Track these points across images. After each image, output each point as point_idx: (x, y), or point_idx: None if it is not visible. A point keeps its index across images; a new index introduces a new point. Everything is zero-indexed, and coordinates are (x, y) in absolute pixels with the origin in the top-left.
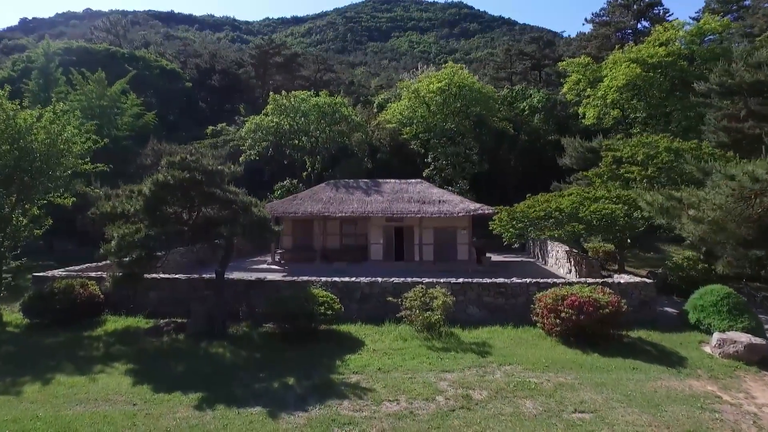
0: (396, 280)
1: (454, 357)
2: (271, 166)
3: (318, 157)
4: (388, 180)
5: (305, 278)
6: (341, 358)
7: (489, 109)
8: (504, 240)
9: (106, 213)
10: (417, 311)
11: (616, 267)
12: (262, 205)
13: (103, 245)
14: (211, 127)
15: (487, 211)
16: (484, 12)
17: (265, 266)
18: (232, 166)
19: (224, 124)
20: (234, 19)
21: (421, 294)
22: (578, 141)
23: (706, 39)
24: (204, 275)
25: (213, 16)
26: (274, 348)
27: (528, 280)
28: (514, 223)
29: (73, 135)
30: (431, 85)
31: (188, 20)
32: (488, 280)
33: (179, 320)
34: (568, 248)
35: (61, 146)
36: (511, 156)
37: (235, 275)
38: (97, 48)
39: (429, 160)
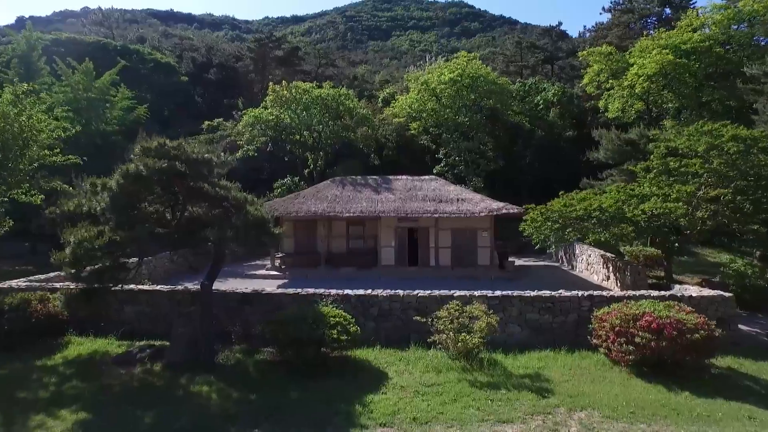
0: (421, 293)
1: (507, 398)
2: (271, 162)
3: (321, 153)
4: (399, 176)
5: (311, 290)
6: (361, 400)
7: (503, 102)
8: (536, 244)
9: (69, 212)
10: (452, 333)
11: (662, 274)
12: (260, 203)
13: (54, 253)
14: (207, 123)
15: (512, 211)
16: (485, 11)
17: (263, 272)
18: (223, 155)
19: (221, 120)
20: (233, 18)
21: (456, 312)
22: (614, 132)
23: (742, 24)
24: (191, 286)
25: (212, 15)
26: (274, 384)
27: (579, 293)
28: (550, 224)
29: (39, 121)
30: (442, 76)
31: (187, 19)
32: (531, 293)
33: (158, 344)
34: (602, 252)
35: (24, 134)
36: (526, 152)
37: (230, 284)
38: (87, 39)
39: (440, 156)
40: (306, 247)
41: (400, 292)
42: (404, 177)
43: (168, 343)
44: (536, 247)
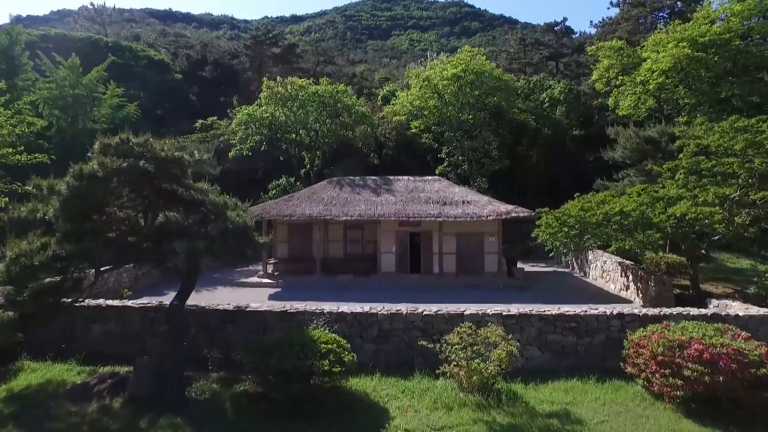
0: (426, 310)
1: None
2: (266, 162)
3: (318, 152)
4: (400, 177)
5: (302, 306)
6: None
7: (508, 99)
8: (549, 252)
9: (21, 219)
10: (464, 362)
11: (686, 283)
12: (245, 208)
13: None
14: (200, 121)
15: (521, 215)
16: (485, 10)
17: (255, 279)
18: (197, 153)
19: (215, 118)
20: (232, 18)
21: (468, 337)
22: (633, 130)
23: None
24: (166, 301)
25: (211, 14)
26: (256, 426)
27: (607, 311)
28: (566, 230)
29: None
30: (445, 72)
31: (186, 18)
32: (552, 311)
33: (124, 370)
34: (620, 259)
35: None
36: (532, 152)
37: (218, 293)
38: (77, 35)
39: (443, 155)
40: (301, 252)
41: (403, 309)
42: (405, 178)
43: (130, 375)
44: (550, 255)
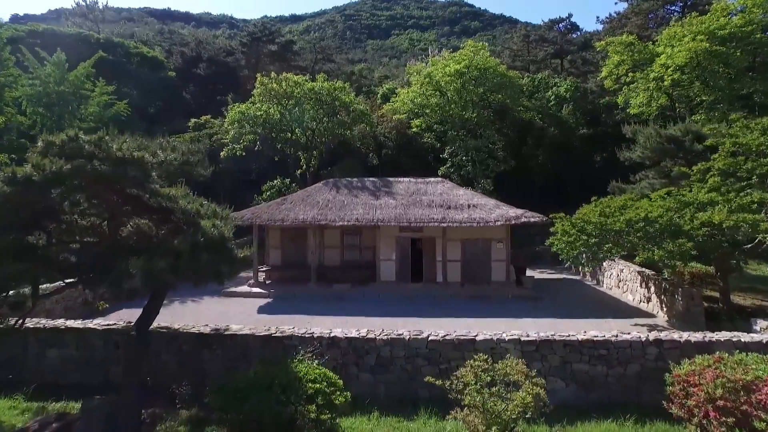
0: (432, 334)
1: None
2: (260, 163)
3: (314, 152)
4: (401, 179)
5: (289, 330)
6: None
7: (513, 97)
8: (565, 261)
9: None
10: (480, 405)
11: (712, 294)
12: (225, 215)
13: None
14: (194, 120)
15: (532, 220)
16: (485, 10)
17: (245, 288)
18: (161, 152)
19: (209, 117)
20: (231, 17)
21: (484, 374)
22: (654, 128)
23: None
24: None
25: (210, 14)
26: None
27: (642, 336)
28: (585, 239)
29: None
30: (447, 68)
31: (185, 18)
32: (578, 337)
33: (76, 410)
34: (638, 268)
35: None
36: (537, 152)
37: (204, 305)
38: (66, 31)
39: (445, 155)
40: (294, 259)
41: (405, 334)
42: (407, 179)
43: (80, 419)
44: (566, 265)
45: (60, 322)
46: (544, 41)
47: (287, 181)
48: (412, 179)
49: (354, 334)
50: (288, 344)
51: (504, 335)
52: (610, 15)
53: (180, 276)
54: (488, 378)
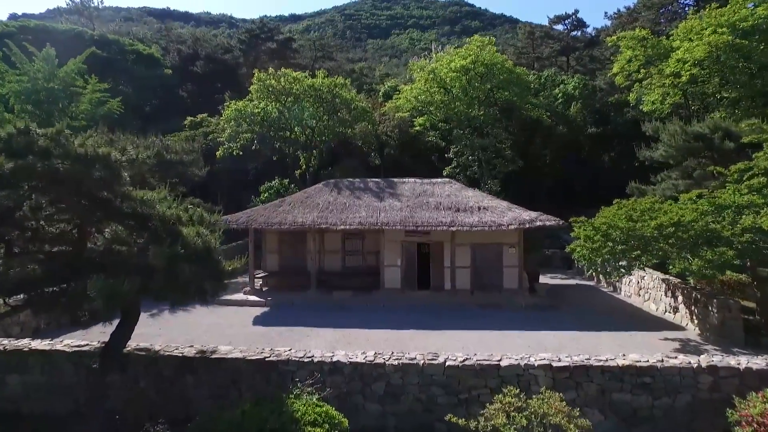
0: (450, 360)
1: None
2: (258, 162)
3: (314, 151)
4: (406, 179)
5: (285, 353)
6: None
7: (521, 94)
8: (590, 272)
9: None
10: None
11: (747, 304)
12: (213, 219)
13: None
14: (190, 118)
15: (548, 223)
16: (485, 10)
17: (241, 296)
18: (131, 149)
19: (205, 115)
20: (231, 17)
21: (518, 414)
22: (679, 125)
23: None
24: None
25: (209, 13)
26: None
27: (694, 362)
28: (612, 245)
29: None
30: (452, 64)
31: (184, 17)
32: (618, 362)
33: None
34: (663, 275)
35: None
36: (545, 151)
37: (194, 315)
38: (59, 27)
39: (450, 155)
40: (293, 264)
41: (419, 359)
42: (412, 180)
43: None
44: (587, 274)
45: (23, 343)
46: (549, 38)
47: (286, 181)
48: (417, 180)
49: (360, 358)
50: (284, 369)
51: (532, 359)
52: (619, 10)
53: (154, 297)
54: (524, 421)
